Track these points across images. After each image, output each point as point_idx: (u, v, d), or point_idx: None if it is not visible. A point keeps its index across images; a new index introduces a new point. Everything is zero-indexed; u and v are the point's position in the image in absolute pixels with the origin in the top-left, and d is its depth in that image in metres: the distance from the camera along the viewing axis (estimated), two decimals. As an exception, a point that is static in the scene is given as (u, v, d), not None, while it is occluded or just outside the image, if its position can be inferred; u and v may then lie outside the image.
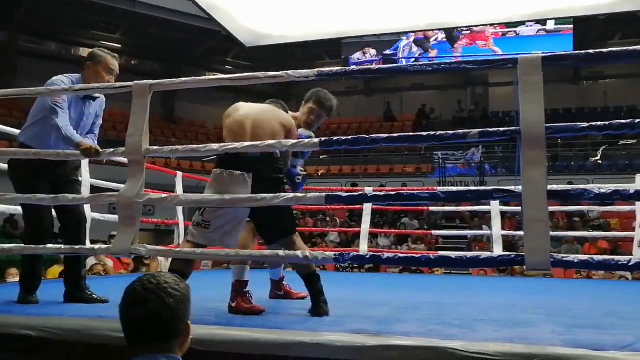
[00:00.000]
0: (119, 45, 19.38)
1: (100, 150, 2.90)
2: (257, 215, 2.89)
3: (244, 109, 2.95)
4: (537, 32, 15.99)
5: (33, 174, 3.11)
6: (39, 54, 17.67)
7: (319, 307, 2.74)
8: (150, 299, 1.46)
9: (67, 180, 3.27)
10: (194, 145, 2.70)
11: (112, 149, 2.85)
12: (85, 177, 4.80)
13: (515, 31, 16.13)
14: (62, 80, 3.16)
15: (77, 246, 2.86)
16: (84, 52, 18.52)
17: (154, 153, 2.76)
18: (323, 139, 2.62)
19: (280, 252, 2.63)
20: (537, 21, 15.01)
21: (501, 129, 2.28)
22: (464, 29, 16.11)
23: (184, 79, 2.75)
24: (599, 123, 2.17)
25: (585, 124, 2.14)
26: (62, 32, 18.15)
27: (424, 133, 2.43)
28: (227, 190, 2.71)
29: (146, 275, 1.53)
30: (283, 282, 3.62)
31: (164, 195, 2.82)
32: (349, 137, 2.54)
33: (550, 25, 15.63)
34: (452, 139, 2.34)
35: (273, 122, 2.91)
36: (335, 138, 2.56)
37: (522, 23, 15.06)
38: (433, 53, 16.71)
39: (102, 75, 3.20)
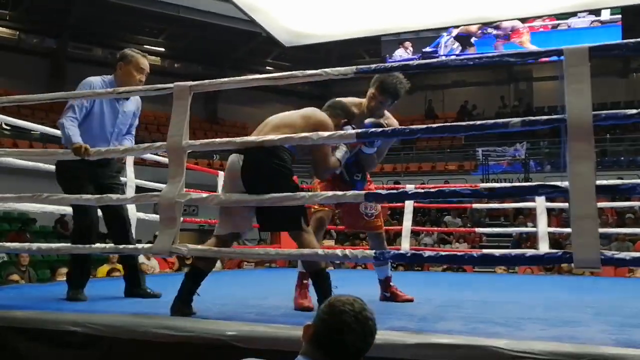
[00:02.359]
0: (163, 49, 19.77)
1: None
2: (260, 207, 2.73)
3: (279, 115, 2.89)
4: (591, 23, 15.47)
5: (75, 175, 3.19)
6: (87, 60, 18.16)
7: None
8: (372, 333, 1.48)
9: (110, 183, 3.35)
10: (232, 138, 2.67)
11: (149, 144, 2.87)
12: (130, 177, 4.90)
13: (567, 23, 15.65)
14: (92, 82, 3.23)
15: (121, 245, 2.91)
16: (129, 57, 18.97)
17: (193, 148, 2.75)
18: (360, 130, 2.57)
19: (320, 251, 2.61)
20: (591, 12, 14.49)
21: (545, 117, 2.18)
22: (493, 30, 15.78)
23: (223, 79, 2.75)
24: (648, 110, 2.06)
25: (633, 111, 2.04)
26: (108, 37, 18.60)
27: (464, 123, 2.36)
28: (225, 175, 2.78)
29: (356, 301, 1.49)
30: (390, 283, 3.41)
31: (204, 195, 2.84)
32: (387, 128, 2.50)
33: (606, 15, 15.06)
34: (494, 128, 2.26)
35: (294, 117, 2.81)
36: (372, 130, 2.51)
37: (573, 14, 14.59)
38: (472, 50, 16.39)
39: (134, 74, 3.27)
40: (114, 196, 2.94)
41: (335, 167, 2.91)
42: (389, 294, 3.38)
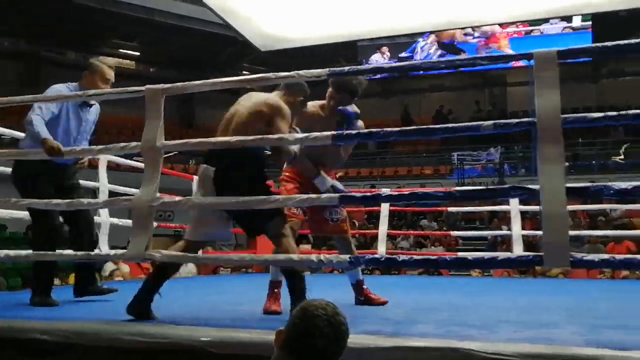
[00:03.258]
0: (138, 54, 19.58)
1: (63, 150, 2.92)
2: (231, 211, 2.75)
3: (234, 107, 2.86)
4: (563, 30, 15.77)
5: (33, 176, 3.19)
6: (61, 63, 17.91)
7: None
8: (344, 337, 1.46)
9: (71, 184, 3.37)
10: (206, 139, 2.64)
11: (125, 143, 2.82)
12: (103, 182, 4.84)
13: (540, 30, 15.94)
14: (59, 89, 3.29)
15: (93, 253, 2.87)
16: (103, 60, 18.76)
17: (168, 148, 2.71)
18: (335, 132, 2.55)
19: (294, 257, 2.60)
20: (563, 18, 14.77)
21: (516, 120, 2.21)
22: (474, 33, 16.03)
23: (195, 82, 2.72)
24: (613, 113, 2.10)
25: (600, 114, 2.08)
26: (82, 41, 18.38)
27: (437, 126, 2.37)
28: (199, 186, 2.76)
29: (329, 306, 1.47)
30: (363, 287, 3.42)
31: (177, 198, 2.80)
32: (362, 131, 2.49)
33: (577, 22, 15.36)
34: (466, 131, 2.29)
35: (245, 114, 2.75)
36: (346, 132, 2.51)
37: (546, 21, 14.86)
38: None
39: (99, 84, 3.32)
40: (85, 200, 2.91)
41: (290, 154, 2.83)
42: (363, 298, 3.37)
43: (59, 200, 2.89)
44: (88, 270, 3.45)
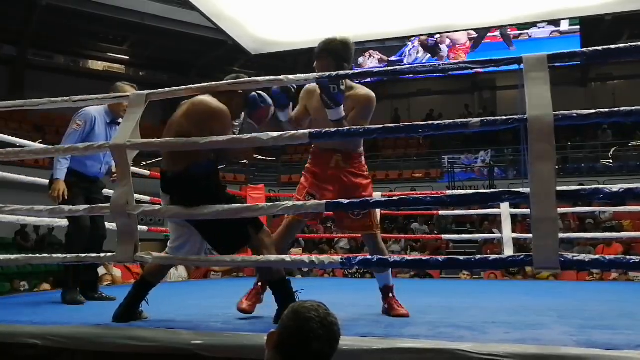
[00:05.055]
0: (127, 57, 19.50)
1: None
2: (203, 232, 2.68)
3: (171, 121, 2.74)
4: (551, 33, 15.93)
5: (69, 188, 3.63)
6: (48, 68, 17.81)
7: None
8: (337, 338, 1.46)
9: (96, 198, 3.84)
10: (171, 139, 2.56)
11: (89, 143, 2.81)
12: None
13: (528, 34, 16.09)
14: (90, 111, 3.74)
15: (83, 255, 2.85)
16: (92, 64, 18.67)
17: (137, 147, 2.61)
18: (313, 131, 2.41)
19: (287, 258, 2.59)
20: (550, 22, 14.91)
21: (505, 117, 2.18)
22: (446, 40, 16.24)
23: (181, 87, 2.66)
24: (605, 110, 2.11)
25: (592, 111, 2.09)
26: (70, 45, 18.29)
27: (423, 123, 2.34)
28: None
29: (321, 307, 1.46)
30: (390, 294, 3.13)
31: (157, 206, 2.76)
32: (342, 129, 2.45)
33: (565, 26, 15.51)
34: (453, 128, 2.27)
35: (180, 120, 2.64)
36: (324, 130, 2.38)
37: (534, 25, 14.99)
38: (440, 54, 16.74)
39: (124, 105, 3.44)
40: (66, 207, 2.90)
41: (238, 152, 2.79)
42: (386, 305, 3.09)
43: (41, 207, 2.86)
44: (90, 275, 3.83)
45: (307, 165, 3.14)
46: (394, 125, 2.42)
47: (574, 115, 2.09)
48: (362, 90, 3.01)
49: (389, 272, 3.16)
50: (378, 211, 3.11)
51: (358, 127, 2.40)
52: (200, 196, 2.52)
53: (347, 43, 2.92)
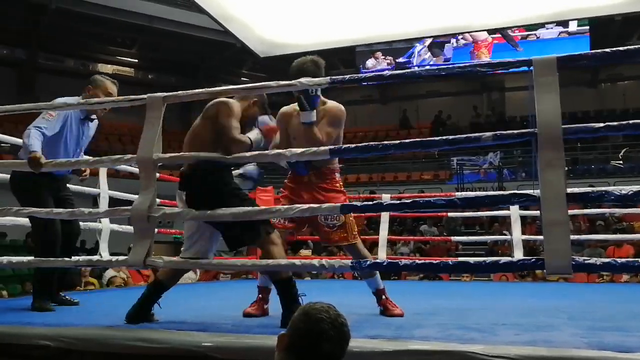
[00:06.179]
0: (136, 60, 19.61)
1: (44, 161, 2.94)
2: (216, 224, 2.78)
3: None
4: (559, 34, 15.84)
5: (34, 187, 3.25)
6: (58, 71, 17.92)
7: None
8: (347, 339, 1.46)
9: (64, 195, 3.47)
10: (199, 153, 2.65)
11: (119, 156, 2.82)
12: (104, 188, 4.85)
13: (536, 34, 16.01)
14: (64, 102, 3.30)
15: (95, 259, 2.88)
16: (102, 67, 18.78)
17: (163, 161, 2.70)
18: (333, 147, 2.57)
19: (297, 262, 2.61)
20: (559, 23, 14.83)
21: (517, 131, 2.23)
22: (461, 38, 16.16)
23: (196, 90, 2.72)
24: (615, 123, 2.12)
25: (601, 124, 2.10)
26: (80, 48, 18.41)
27: (437, 138, 2.38)
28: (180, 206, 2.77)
29: (331, 308, 1.47)
30: (383, 296, 3.21)
31: (177, 210, 2.80)
32: (360, 144, 2.51)
33: (573, 27, 15.39)
34: (466, 142, 2.30)
35: (197, 121, 2.80)
36: (344, 146, 2.52)
37: (542, 26, 14.91)
38: (440, 60, 16.67)
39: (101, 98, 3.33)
40: (87, 210, 2.91)
41: (245, 143, 2.77)
42: (382, 307, 3.18)
43: (62, 210, 2.91)
44: (57, 279, 3.45)
45: (285, 181, 3.30)
46: (408, 141, 2.47)
47: (584, 128, 2.10)
48: (333, 103, 3.19)
49: (377, 275, 3.23)
50: (353, 220, 3.23)
51: (376, 143, 2.47)
52: (209, 190, 2.65)
53: (318, 63, 3.12)
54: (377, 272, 3.20)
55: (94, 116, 3.51)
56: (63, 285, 3.69)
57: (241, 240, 2.87)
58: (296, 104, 3.07)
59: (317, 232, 3.33)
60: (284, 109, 3.25)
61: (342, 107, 3.18)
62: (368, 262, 2.50)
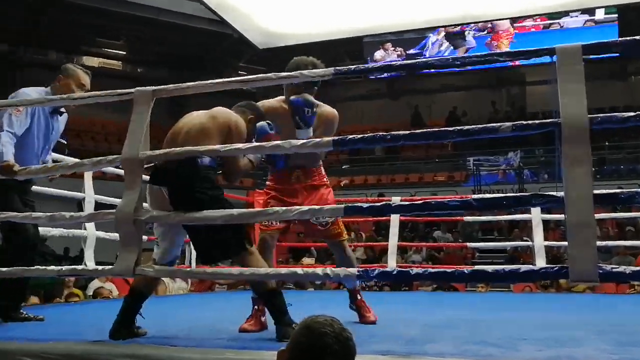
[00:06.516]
0: (124, 53, 19.65)
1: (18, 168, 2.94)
2: (191, 234, 2.76)
3: (186, 118, 2.85)
4: (585, 23, 15.80)
5: (3, 189, 3.21)
6: (42, 64, 17.95)
7: (285, 331, 2.53)
8: (353, 355, 1.45)
9: (28, 199, 3.42)
10: (190, 147, 2.60)
11: (100, 158, 2.79)
12: (89, 193, 4.85)
13: (560, 23, 15.99)
14: (28, 93, 3.26)
15: (80, 267, 2.88)
16: (87, 60, 18.83)
17: (151, 159, 2.66)
18: (336, 138, 2.51)
19: (299, 271, 2.60)
20: (584, 11, 14.77)
21: (538, 121, 2.19)
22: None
23: (189, 83, 2.71)
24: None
25: (631, 114, 2.08)
26: (64, 41, 18.46)
27: (449, 128, 2.32)
28: (151, 206, 2.72)
29: (335, 322, 1.46)
30: (358, 296, 3.45)
31: (165, 213, 2.77)
32: (366, 135, 2.47)
33: (600, 15, 15.37)
34: (482, 133, 2.28)
35: (203, 120, 2.77)
36: (349, 137, 2.44)
37: (566, 14, 14.89)
38: (462, 51, 16.62)
39: (73, 89, 3.34)
40: (67, 214, 2.88)
41: (248, 169, 2.85)
42: (354, 307, 3.40)
43: (41, 214, 2.90)
44: (16, 292, 3.35)
45: (267, 183, 3.43)
46: (419, 131, 2.44)
47: (611, 118, 2.07)
48: (327, 108, 3.36)
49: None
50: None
51: (384, 133, 2.46)
52: (194, 188, 2.61)
53: (316, 64, 3.19)
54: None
55: (63, 109, 3.46)
56: (21, 300, 3.58)
57: (218, 257, 2.86)
58: (280, 97, 3.28)
59: (306, 230, 3.51)
60: (270, 104, 3.31)
61: (336, 112, 3.38)
62: (376, 272, 2.48)
